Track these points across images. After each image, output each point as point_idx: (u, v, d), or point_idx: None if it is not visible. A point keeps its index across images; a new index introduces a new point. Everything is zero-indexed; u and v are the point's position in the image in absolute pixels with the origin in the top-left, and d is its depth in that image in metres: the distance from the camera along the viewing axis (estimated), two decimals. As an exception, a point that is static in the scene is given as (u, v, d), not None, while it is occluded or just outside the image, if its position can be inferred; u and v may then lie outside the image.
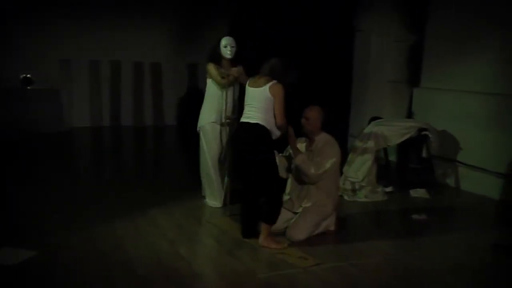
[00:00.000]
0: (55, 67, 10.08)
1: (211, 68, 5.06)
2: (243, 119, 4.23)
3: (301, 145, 4.56)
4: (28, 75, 9.62)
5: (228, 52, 5.03)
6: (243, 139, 4.19)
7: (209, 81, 5.15)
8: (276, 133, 4.19)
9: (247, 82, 4.34)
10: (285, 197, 4.65)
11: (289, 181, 4.69)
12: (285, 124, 4.18)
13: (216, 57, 5.09)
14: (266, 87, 4.13)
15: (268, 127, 4.13)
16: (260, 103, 4.14)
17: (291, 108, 4.32)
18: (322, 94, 7.31)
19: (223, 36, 5.13)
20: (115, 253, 3.97)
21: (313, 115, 4.38)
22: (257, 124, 4.11)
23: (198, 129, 5.23)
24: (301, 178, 4.42)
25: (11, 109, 9.23)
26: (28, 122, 9.31)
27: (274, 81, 4.13)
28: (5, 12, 9.43)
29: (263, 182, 4.16)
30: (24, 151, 8.10)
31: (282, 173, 4.49)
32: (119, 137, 10.30)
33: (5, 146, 8.10)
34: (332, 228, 4.58)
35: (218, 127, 5.12)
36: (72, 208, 5.10)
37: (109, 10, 10.28)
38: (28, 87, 9.63)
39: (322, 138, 4.43)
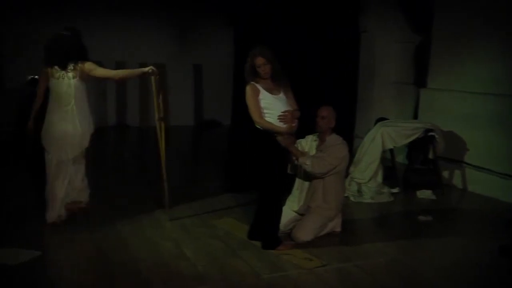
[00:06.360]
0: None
1: None
2: None
3: (306, 142, 4.55)
4: (36, 77, 9.62)
5: None
6: (249, 143, 4.20)
7: None
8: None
9: None
10: (289, 198, 4.62)
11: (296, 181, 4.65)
12: (262, 122, 4.01)
13: None
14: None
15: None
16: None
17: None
18: (327, 95, 7.27)
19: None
20: (119, 254, 3.96)
21: (328, 114, 4.38)
22: (254, 128, 4.07)
23: None
24: (306, 175, 4.40)
25: (17, 109, 9.24)
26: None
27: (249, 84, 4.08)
28: (12, 13, 9.46)
29: (262, 184, 4.12)
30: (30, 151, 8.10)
31: (289, 169, 4.45)
32: (124, 138, 10.29)
33: (12, 146, 8.11)
34: (337, 229, 4.56)
35: None
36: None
37: (114, 11, 10.31)
38: (35, 89, 9.62)
39: (333, 138, 4.42)
